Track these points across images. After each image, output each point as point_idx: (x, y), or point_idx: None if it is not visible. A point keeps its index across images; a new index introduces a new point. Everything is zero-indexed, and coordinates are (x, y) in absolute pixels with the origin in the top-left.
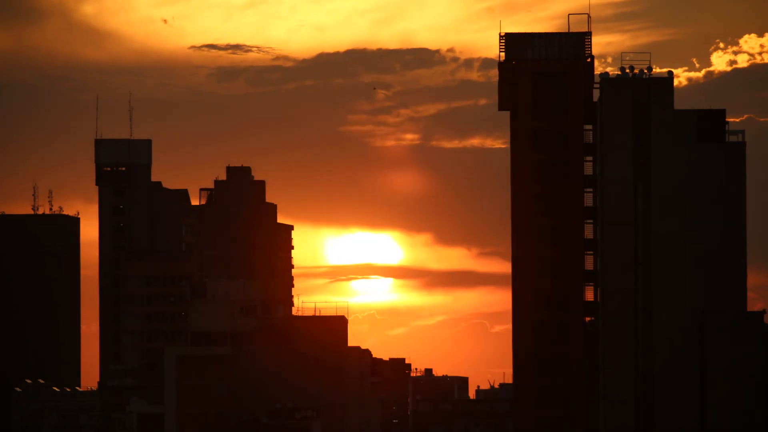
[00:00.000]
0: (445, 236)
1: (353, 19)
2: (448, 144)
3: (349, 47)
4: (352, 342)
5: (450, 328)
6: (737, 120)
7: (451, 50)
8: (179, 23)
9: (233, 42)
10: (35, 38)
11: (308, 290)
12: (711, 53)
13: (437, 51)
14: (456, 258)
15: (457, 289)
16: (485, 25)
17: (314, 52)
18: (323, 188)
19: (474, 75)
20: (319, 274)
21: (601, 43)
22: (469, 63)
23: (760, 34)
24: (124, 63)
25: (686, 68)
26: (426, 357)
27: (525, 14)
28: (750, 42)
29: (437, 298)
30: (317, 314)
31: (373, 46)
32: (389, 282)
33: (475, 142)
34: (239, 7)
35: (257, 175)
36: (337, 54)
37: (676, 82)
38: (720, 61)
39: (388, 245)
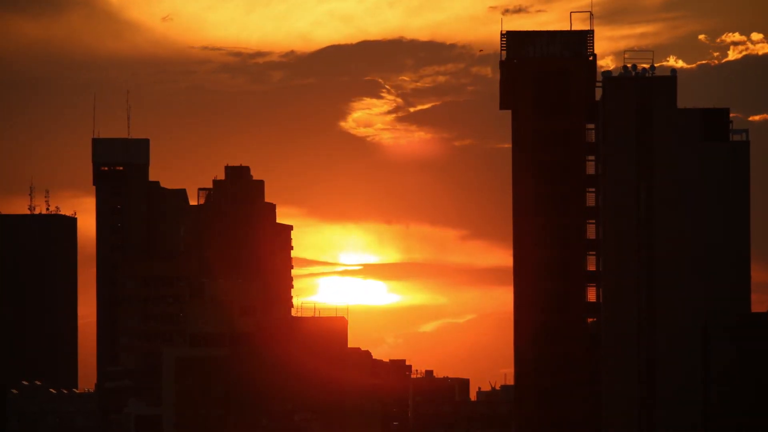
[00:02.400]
0: (478, 232)
1: (382, 8)
2: (462, 141)
3: (363, 39)
4: (374, 339)
5: (478, 327)
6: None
7: (467, 45)
8: (202, 16)
9: (243, 37)
10: (27, 37)
11: (324, 289)
12: (719, 48)
13: (453, 45)
14: (487, 255)
15: (488, 286)
16: (513, 19)
17: (326, 45)
18: (337, 187)
19: (488, 71)
20: (355, 271)
21: (604, 39)
22: (484, 58)
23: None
24: (121, 61)
25: (687, 63)
26: (451, 356)
27: (561, 5)
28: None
29: (468, 296)
30: (316, 315)
31: (393, 38)
32: (417, 279)
33: (492, 139)
34: None
35: (257, 175)
36: (347, 46)
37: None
38: (731, 55)
39: (414, 242)
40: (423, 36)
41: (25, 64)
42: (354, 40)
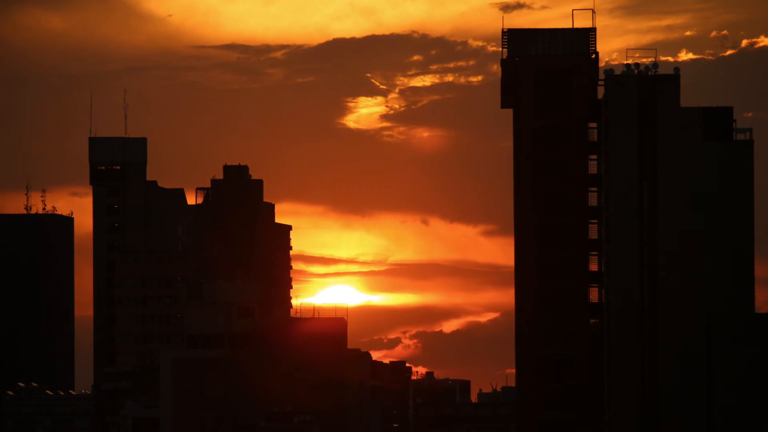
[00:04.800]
0: (500, 229)
1: (405, 1)
2: (471, 139)
3: (371, 33)
4: (391, 339)
5: (500, 326)
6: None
7: (479, 42)
8: (219, 10)
9: (258, 32)
10: (24, 33)
11: (340, 287)
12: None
13: (463, 42)
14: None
15: (510, 285)
16: (523, 14)
17: (331, 39)
18: (351, 185)
19: (495, 68)
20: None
21: (606, 38)
22: (495, 56)
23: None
24: (119, 59)
25: (692, 54)
26: (471, 356)
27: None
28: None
29: (489, 295)
30: (315, 316)
31: (403, 32)
32: (438, 278)
33: (500, 137)
34: None
35: (257, 174)
36: (353, 41)
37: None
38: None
39: (432, 239)
40: (440, 29)
41: (21, 61)
42: (362, 34)
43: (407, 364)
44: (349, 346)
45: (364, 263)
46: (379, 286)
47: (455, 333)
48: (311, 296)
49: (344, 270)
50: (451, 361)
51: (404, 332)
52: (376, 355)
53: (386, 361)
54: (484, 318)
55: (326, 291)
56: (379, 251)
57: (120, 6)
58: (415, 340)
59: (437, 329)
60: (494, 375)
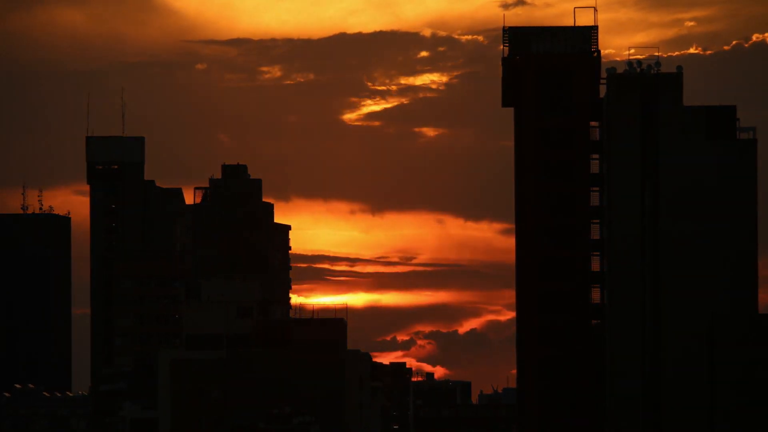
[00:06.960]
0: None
1: None
2: (478, 137)
3: (377, 29)
4: (406, 341)
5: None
6: None
7: (488, 39)
8: (232, 5)
9: (272, 26)
10: (21, 31)
11: (356, 286)
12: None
13: (474, 40)
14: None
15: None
16: (528, 11)
17: (337, 34)
18: (365, 184)
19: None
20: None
21: (608, 36)
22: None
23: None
24: (116, 58)
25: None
26: (488, 356)
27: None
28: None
29: (509, 294)
30: (315, 316)
31: (416, 28)
32: (456, 277)
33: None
34: None
35: (255, 173)
36: (358, 35)
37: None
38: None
39: (450, 238)
40: (452, 26)
41: (18, 58)
42: (370, 30)
43: (407, 365)
44: (364, 346)
45: (388, 264)
46: (398, 286)
47: (472, 333)
48: (333, 296)
49: (365, 270)
50: (468, 360)
51: (418, 333)
52: (391, 356)
53: (402, 361)
54: (504, 317)
55: (346, 291)
56: (400, 251)
57: (131, 0)
58: (429, 340)
59: (454, 329)
60: (498, 376)
